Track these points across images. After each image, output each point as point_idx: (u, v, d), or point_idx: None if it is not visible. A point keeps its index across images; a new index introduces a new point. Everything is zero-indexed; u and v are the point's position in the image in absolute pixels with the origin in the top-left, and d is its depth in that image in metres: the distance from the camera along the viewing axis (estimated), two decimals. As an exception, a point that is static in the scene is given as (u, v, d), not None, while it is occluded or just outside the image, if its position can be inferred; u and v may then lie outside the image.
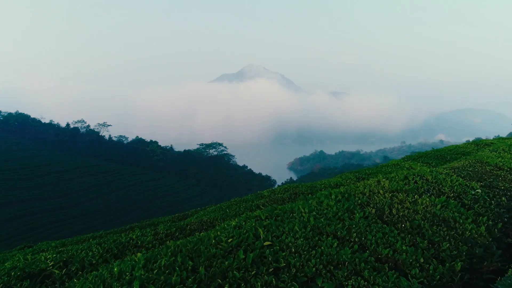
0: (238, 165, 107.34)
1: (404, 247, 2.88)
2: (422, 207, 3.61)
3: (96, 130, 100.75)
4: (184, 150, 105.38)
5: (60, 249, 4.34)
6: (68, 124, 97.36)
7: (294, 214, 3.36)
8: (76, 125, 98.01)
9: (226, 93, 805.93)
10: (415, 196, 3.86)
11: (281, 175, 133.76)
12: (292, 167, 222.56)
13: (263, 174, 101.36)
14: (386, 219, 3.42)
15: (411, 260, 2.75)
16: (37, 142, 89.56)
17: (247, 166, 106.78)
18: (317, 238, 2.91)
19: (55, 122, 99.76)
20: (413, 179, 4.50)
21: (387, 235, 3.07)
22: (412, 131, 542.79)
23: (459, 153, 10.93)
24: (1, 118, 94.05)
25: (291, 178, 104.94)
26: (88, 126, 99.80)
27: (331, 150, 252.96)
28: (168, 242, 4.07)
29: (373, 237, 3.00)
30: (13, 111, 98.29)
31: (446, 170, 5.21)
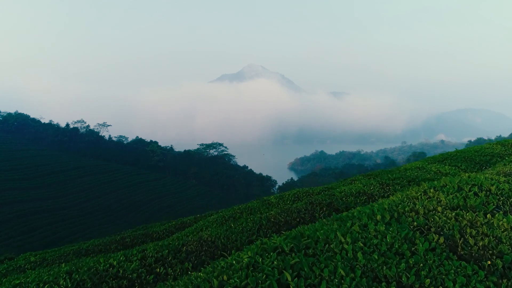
0: (239, 165, 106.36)
1: (502, 301, 1.92)
2: (501, 231, 2.63)
3: (96, 130, 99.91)
4: (184, 150, 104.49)
5: (17, 281, 3.40)
6: (67, 124, 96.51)
7: (331, 245, 2.37)
8: (75, 125, 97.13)
9: (226, 93, 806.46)
10: (487, 216, 2.88)
11: (281, 175, 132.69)
12: (292, 167, 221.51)
13: (264, 174, 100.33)
14: (461, 253, 2.41)
15: (517, 323, 1.79)
16: (36, 142, 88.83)
17: (247, 166, 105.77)
18: (374, 288, 1.92)
19: (55, 122, 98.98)
20: (470, 190, 3.49)
21: (472, 280, 2.09)
22: (412, 131, 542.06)
23: (488, 155, 9.82)
24: (0, 118, 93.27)
25: (291, 178, 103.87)
26: (88, 126, 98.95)
27: (331, 150, 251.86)
28: (157, 270, 3.11)
29: (454, 284, 2.03)
30: (12, 111, 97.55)
31: (502, 176, 4.22)
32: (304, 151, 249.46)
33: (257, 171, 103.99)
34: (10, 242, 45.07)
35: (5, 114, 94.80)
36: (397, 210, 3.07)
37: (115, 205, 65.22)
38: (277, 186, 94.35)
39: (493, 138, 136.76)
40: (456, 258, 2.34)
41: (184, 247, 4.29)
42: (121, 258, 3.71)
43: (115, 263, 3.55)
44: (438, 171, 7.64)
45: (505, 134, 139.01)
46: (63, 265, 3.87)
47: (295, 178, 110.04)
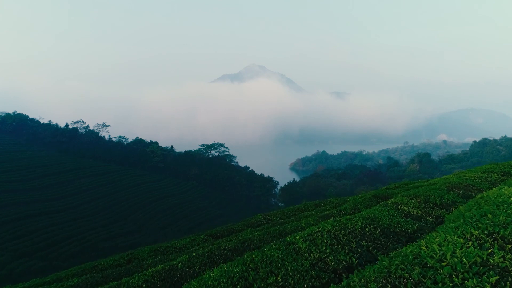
0: (240, 166, 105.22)
1: None
2: None
3: (95, 130, 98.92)
4: (185, 151, 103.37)
5: None
6: (67, 125, 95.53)
7: None
8: (75, 126, 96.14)
9: (227, 93, 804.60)
10: None
11: (283, 175, 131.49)
12: (294, 167, 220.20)
13: (265, 175, 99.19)
14: None
15: None
16: (35, 143, 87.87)
17: (248, 167, 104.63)
18: None
19: (54, 123, 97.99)
20: None
21: None
22: (414, 131, 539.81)
23: None
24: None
25: (293, 179, 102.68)
26: (88, 126, 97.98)
27: (333, 150, 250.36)
28: None
29: None
30: (11, 111, 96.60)
31: None
32: (305, 151, 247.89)
33: (258, 171, 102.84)
34: (6, 246, 43.95)
35: (3, 115, 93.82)
36: None
37: (114, 207, 64.10)
38: (279, 187, 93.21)
39: (497, 138, 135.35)
40: None
41: None
42: None
43: None
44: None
45: (509, 134, 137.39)
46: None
47: (297, 179, 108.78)
